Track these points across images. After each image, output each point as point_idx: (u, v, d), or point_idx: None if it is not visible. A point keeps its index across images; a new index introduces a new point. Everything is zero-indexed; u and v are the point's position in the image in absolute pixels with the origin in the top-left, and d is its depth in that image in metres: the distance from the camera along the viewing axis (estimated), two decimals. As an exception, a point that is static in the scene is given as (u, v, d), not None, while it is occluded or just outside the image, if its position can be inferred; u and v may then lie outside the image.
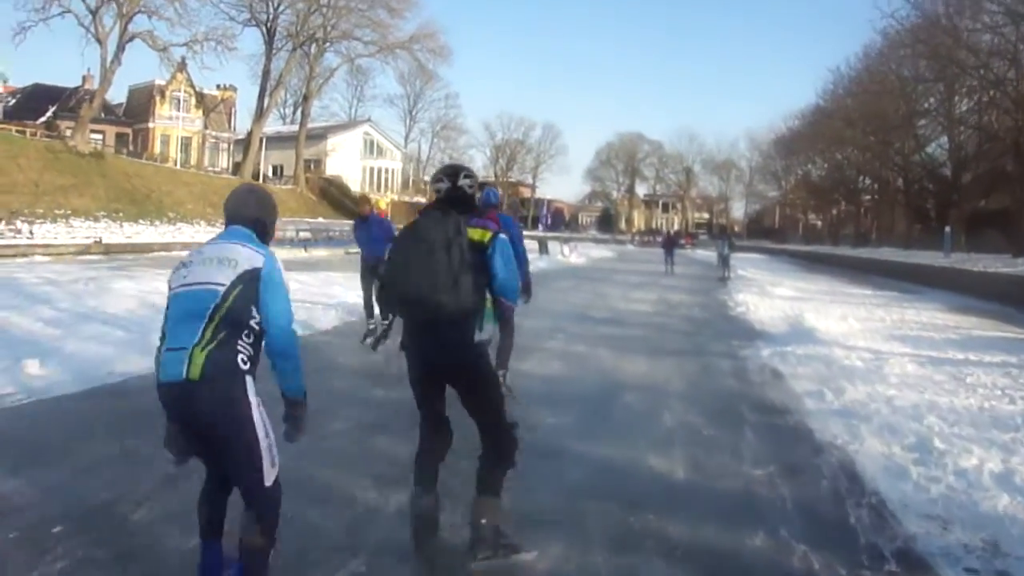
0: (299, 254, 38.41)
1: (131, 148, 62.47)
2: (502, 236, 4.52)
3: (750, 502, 5.52)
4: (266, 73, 61.63)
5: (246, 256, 3.68)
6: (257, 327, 3.66)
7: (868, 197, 73.02)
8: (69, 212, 38.66)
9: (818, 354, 11.37)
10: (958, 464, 6.11)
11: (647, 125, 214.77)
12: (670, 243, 38.79)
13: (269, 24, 60.61)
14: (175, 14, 49.23)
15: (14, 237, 31.98)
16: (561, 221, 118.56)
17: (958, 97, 47.87)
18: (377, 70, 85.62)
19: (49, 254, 29.51)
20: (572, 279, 29.13)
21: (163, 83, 64.21)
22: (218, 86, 71.06)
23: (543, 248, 46.82)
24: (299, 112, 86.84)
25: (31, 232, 33.29)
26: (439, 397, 4.62)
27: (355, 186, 74.83)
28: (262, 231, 3.95)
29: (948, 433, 7.03)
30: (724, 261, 32.74)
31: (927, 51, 42.43)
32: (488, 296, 4.55)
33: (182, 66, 63.93)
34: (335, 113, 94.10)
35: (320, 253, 40.33)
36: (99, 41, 46.57)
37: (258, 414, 3.60)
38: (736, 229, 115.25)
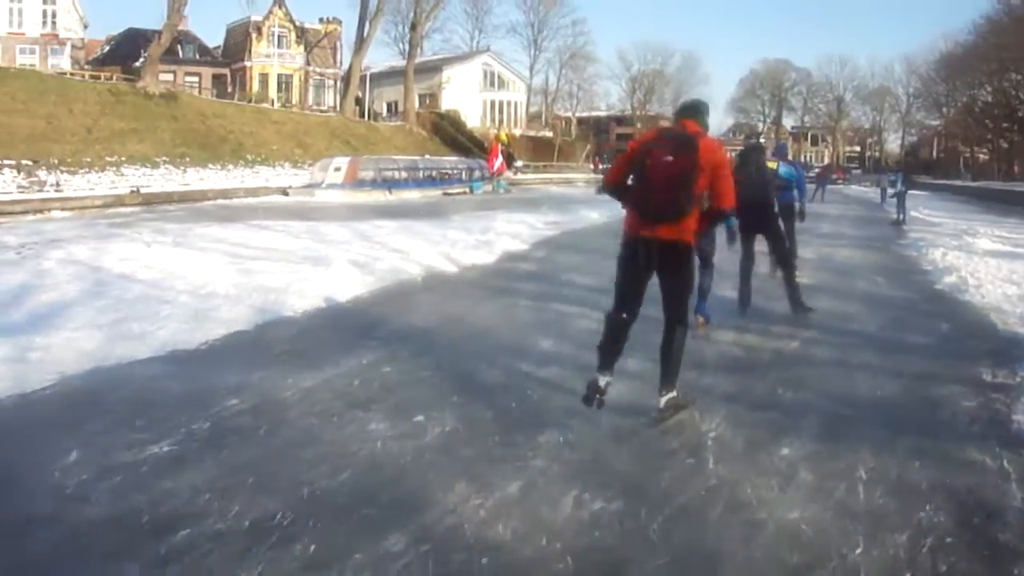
0: (381, 198, 32.82)
1: (230, 89, 58.40)
2: (782, 164, 10.88)
3: None
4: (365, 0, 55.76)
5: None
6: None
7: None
8: (123, 159, 33.96)
9: None
10: None
11: (794, 51, 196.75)
12: (822, 177, 44.04)
13: (366, -56, 54.68)
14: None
15: (39, 190, 27.44)
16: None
17: None
18: (495, -3, 78.84)
19: (69, 208, 24.58)
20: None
21: (259, 19, 59.59)
22: (321, 19, 66.24)
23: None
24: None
25: (57, 184, 28.65)
26: (755, 240, 9.24)
27: (474, 120, 69.02)
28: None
29: None
30: (899, 201, 25.39)
31: None
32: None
33: (280, 0, 59.34)
34: (457, 46, 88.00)
35: (411, 195, 34.64)
36: (166, -33, 41.62)
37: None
38: (889, 163, 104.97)
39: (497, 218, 21.27)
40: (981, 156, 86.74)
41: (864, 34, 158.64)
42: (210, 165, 37.61)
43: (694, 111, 5.56)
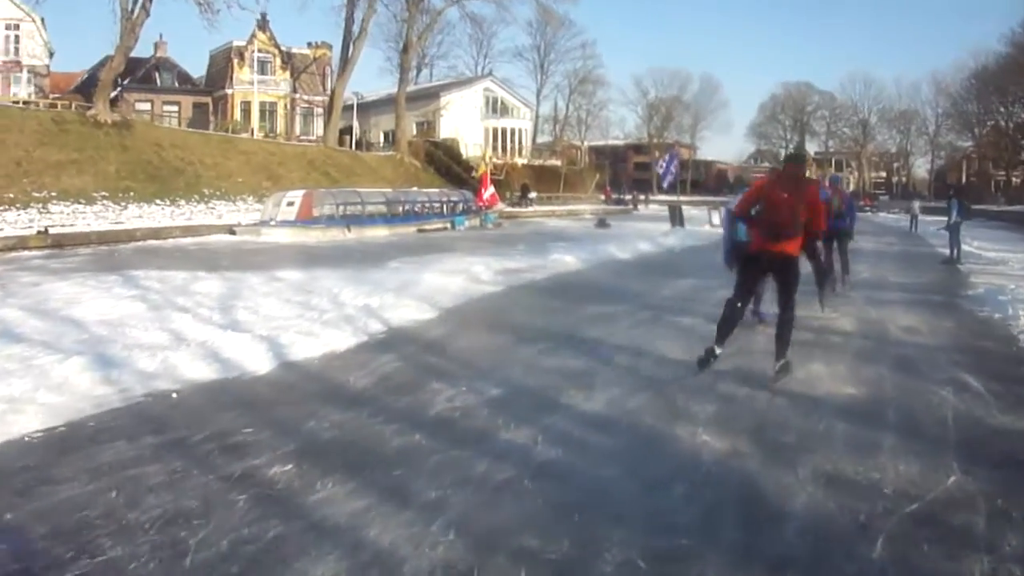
0: (338, 236, 29.04)
1: (212, 118, 55.10)
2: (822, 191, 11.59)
3: None
4: (348, 21, 51.76)
5: None
6: None
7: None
8: (53, 194, 30.27)
9: None
10: None
11: (816, 73, 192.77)
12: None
13: (348, -39, 51.17)
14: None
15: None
16: (724, 183, 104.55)
17: None
18: (498, 20, 74.81)
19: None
20: (702, 272, 17.37)
21: (241, 44, 56.26)
22: (309, 44, 62.54)
23: (675, 219, 35.38)
24: (424, 73, 77.90)
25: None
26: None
27: (474, 150, 64.98)
28: None
29: None
30: (952, 234, 20.77)
31: None
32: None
33: (263, 23, 55.87)
34: (463, 73, 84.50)
35: (377, 233, 30.74)
36: (112, -13, 37.97)
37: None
38: (915, 187, 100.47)
39: (437, 265, 16.93)
40: (1014, 179, 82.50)
41: (889, 53, 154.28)
42: (157, 201, 33.60)
43: (801, 159, 8.57)
